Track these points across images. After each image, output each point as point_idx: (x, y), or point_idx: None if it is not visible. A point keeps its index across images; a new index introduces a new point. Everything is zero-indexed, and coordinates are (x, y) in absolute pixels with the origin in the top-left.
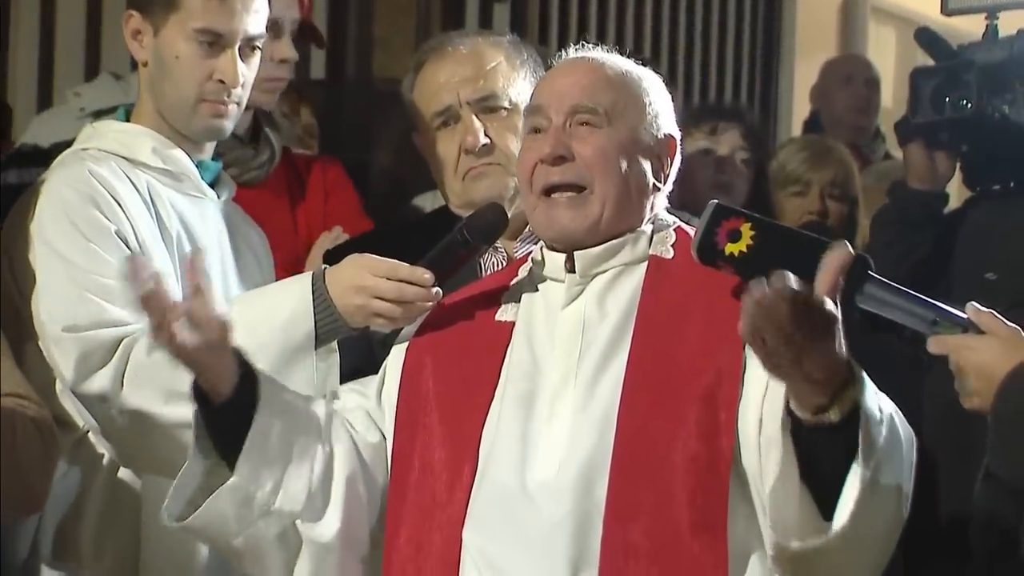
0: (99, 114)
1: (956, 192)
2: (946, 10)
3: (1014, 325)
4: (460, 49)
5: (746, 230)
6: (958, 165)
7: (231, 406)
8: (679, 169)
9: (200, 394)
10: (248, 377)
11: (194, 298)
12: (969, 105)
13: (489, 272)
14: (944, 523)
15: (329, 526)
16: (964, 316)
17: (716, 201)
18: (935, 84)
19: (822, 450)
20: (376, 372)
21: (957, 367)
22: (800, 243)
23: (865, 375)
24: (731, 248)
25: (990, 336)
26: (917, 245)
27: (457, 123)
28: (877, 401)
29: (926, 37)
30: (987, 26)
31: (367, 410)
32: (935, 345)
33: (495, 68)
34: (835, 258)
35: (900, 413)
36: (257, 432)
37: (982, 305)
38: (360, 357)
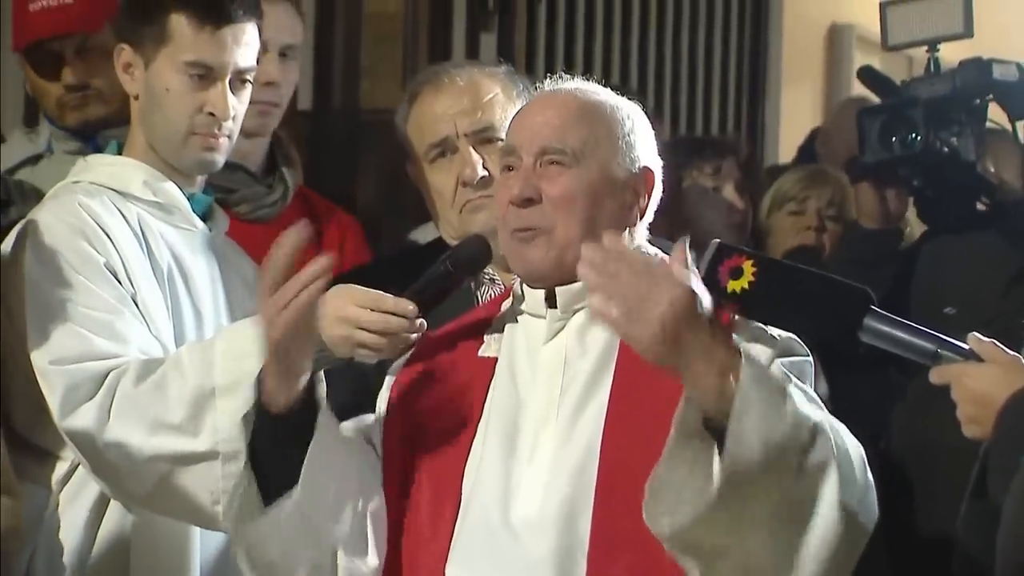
0: (12, 172)
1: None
2: (887, 45)
3: (1015, 353)
4: (457, 80)
5: (748, 267)
6: (911, 201)
7: (287, 419)
8: (688, 210)
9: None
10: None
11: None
12: (917, 139)
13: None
14: (925, 552)
15: (370, 561)
16: (966, 347)
17: (718, 241)
18: (881, 122)
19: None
20: (372, 402)
21: (957, 395)
22: (802, 278)
23: (756, 362)
24: (733, 285)
25: (990, 363)
26: (876, 283)
27: (454, 155)
28: (781, 395)
29: (869, 75)
30: (928, 59)
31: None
32: (936, 375)
33: (492, 99)
34: (679, 249)
35: (841, 429)
36: (316, 451)
37: None
38: (356, 389)
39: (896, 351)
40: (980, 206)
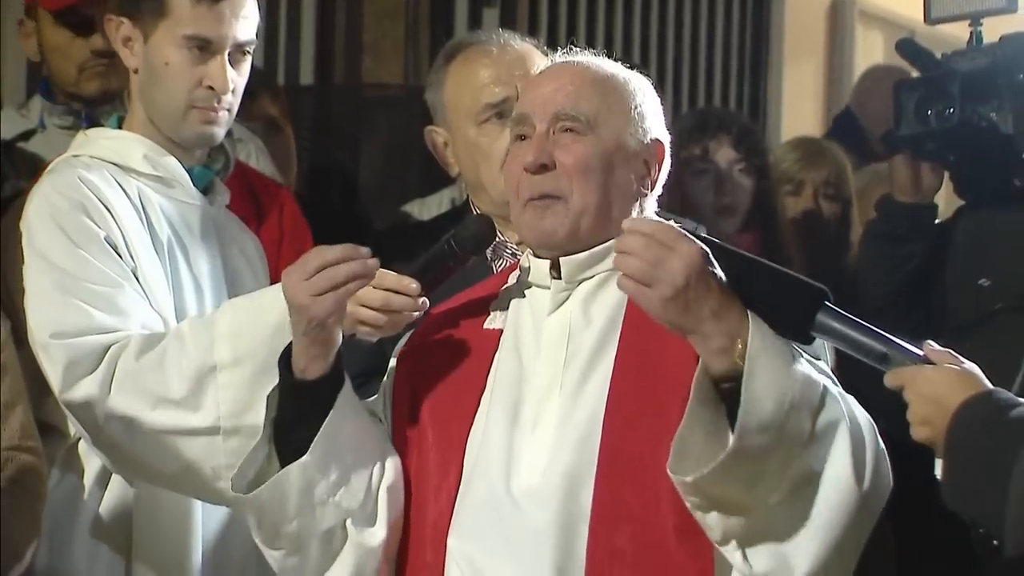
0: (8, 145)
1: (948, 201)
2: (929, 19)
3: (970, 363)
4: (512, 46)
5: None
6: (947, 175)
7: (313, 388)
8: (683, 192)
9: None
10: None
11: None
12: (954, 113)
13: None
14: None
15: (377, 532)
16: (919, 353)
17: (676, 222)
18: (918, 96)
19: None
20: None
21: (910, 396)
22: (756, 272)
23: (763, 325)
24: None
25: (946, 367)
26: (908, 257)
27: (509, 117)
28: (790, 357)
29: (908, 48)
30: (971, 33)
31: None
32: (891, 379)
33: None
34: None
35: (850, 398)
36: (334, 420)
37: (977, 311)
38: (373, 356)
39: (847, 350)
40: (1017, 182)
